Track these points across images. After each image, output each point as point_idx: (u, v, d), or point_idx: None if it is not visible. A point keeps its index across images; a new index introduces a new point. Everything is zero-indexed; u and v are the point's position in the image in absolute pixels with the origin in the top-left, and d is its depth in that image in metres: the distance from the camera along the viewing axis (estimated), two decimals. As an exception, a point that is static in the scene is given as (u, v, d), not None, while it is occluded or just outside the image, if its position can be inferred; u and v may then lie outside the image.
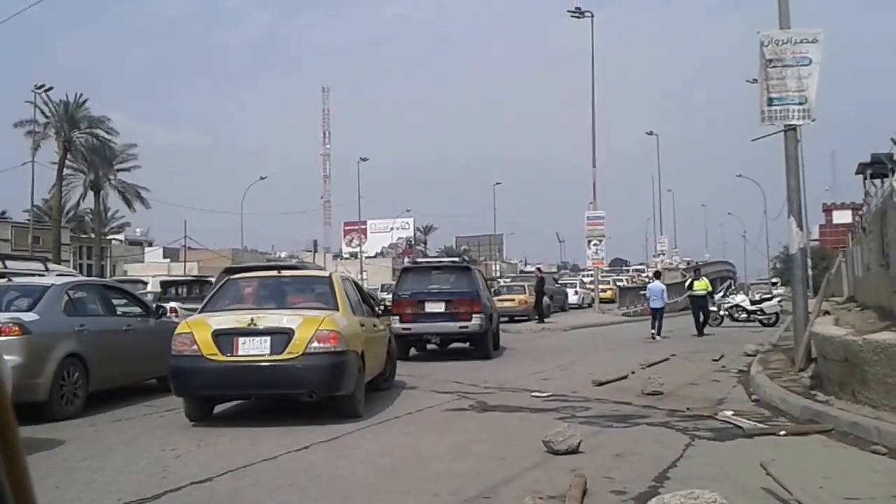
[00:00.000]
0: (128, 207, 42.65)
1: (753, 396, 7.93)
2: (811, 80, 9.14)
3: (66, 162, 37.63)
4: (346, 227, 77.87)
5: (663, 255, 59.02)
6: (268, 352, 6.67)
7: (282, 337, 6.68)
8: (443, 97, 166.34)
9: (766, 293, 27.50)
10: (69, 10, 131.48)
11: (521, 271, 47.74)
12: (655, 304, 18.08)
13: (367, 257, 63.95)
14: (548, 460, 5.16)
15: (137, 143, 45.43)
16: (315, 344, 6.67)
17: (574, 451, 5.28)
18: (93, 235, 45.14)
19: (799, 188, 9.81)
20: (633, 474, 4.72)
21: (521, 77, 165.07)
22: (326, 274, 8.55)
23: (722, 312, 21.87)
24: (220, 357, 6.65)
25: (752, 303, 23.01)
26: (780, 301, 22.73)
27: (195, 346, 6.72)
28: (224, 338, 6.71)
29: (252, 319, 6.82)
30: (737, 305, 22.95)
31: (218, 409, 7.71)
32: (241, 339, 6.71)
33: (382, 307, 9.97)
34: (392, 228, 75.87)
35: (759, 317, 22.16)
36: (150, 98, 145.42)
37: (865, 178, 20.11)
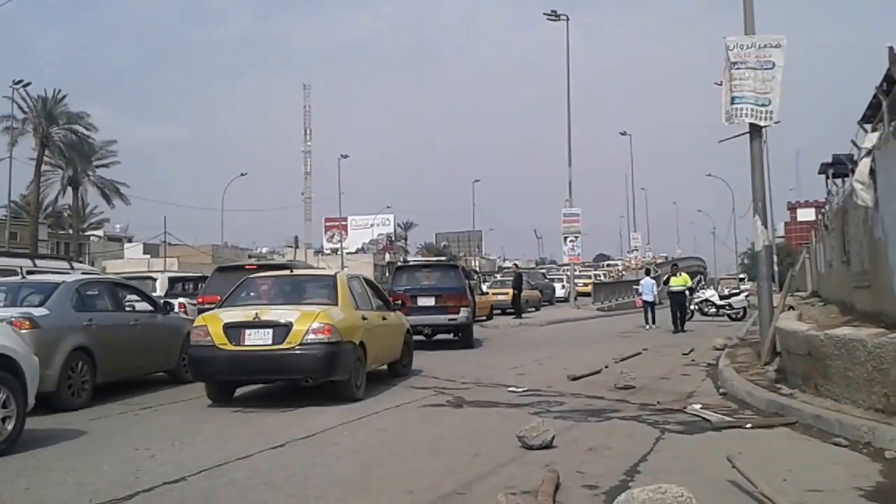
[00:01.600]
0: (107, 203, 42.61)
1: (721, 390, 8.12)
2: (774, 83, 9.37)
3: (45, 158, 37.49)
4: (327, 223, 77.35)
5: (637, 251, 59.73)
6: (270, 342, 7.55)
7: (282, 329, 7.56)
8: (423, 97, 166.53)
9: (734, 288, 28.13)
10: (51, 6, 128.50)
11: (500, 267, 48.24)
12: (647, 298, 20.44)
13: (347, 253, 63.80)
14: (522, 455, 5.22)
15: (117, 139, 45.65)
16: (311, 336, 7.54)
17: (548, 446, 5.37)
18: (71, 231, 44.92)
19: (764, 188, 10.04)
20: (604, 469, 4.81)
21: (501, 77, 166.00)
22: (332, 273, 9.57)
23: (692, 307, 22.33)
24: (230, 346, 7.59)
25: (721, 297, 23.55)
26: (747, 296, 23.27)
27: (209, 338, 7.69)
28: (233, 330, 7.64)
29: (257, 314, 7.75)
30: (706, 300, 23.48)
31: (191, 408, 7.72)
32: (247, 331, 7.63)
33: (400, 302, 10.94)
34: (373, 225, 75.89)
35: (728, 311, 22.70)
36: (130, 94, 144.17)
37: (828, 178, 20.64)
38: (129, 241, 62.55)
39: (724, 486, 4.24)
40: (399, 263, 20.09)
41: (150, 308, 9.56)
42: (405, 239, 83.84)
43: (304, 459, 5.28)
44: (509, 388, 8.62)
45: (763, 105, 9.32)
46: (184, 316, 10.85)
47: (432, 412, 7.29)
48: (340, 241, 66.23)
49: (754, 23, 9.66)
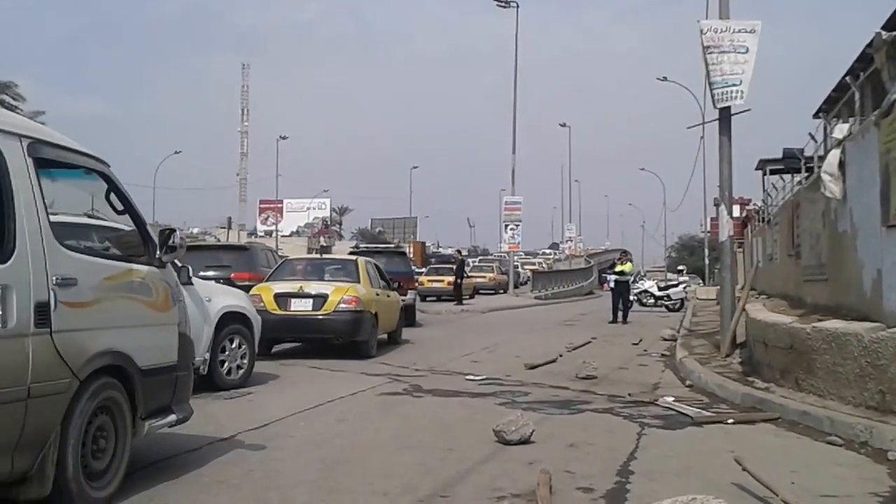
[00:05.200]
0: (31, 177, 40.38)
1: (687, 382, 7.93)
2: (747, 66, 9.23)
3: (-34, 129, 35.16)
4: (262, 205, 75.23)
5: (571, 241, 60.70)
6: (310, 309, 9.65)
7: (320, 299, 9.67)
8: (364, 82, 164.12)
9: (666, 279, 28.72)
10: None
11: (435, 253, 48.33)
12: (613, 285, 21.67)
13: (282, 236, 62.26)
14: (501, 451, 4.81)
15: (46, 110, 42.93)
16: (342, 305, 9.62)
17: (526, 440, 4.98)
18: (-5, 207, 42.56)
19: (731, 177, 9.92)
20: (593, 468, 4.43)
21: (441, 65, 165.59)
22: (354, 258, 11.66)
23: (632, 297, 22.58)
24: (279, 311, 9.56)
25: (660, 289, 23.90)
26: (685, 288, 23.73)
27: (262, 304, 9.30)
28: (281, 298, 9.66)
29: (300, 287, 9.86)
30: (645, 291, 23.79)
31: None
32: (292, 300, 9.69)
33: (397, 284, 12.62)
34: (308, 208, 74.45)
35: (666, 302, 23.06)
36: (61, 67, 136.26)
37: (764, 174, 21.14)
38: (52, 217, 59.57)
39: (731, 490, 3.90)
40: (351, 249, 21.71)
41: None
42: (340, 223, 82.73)
43: (259, 454, 4.67)
44: (467, 377, 8.21)
45: (733, 85, 9.17)
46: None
47: (391, 401, 6.78)
48: (275, 224, 64.47)
49: (728, 8, 9.46)
